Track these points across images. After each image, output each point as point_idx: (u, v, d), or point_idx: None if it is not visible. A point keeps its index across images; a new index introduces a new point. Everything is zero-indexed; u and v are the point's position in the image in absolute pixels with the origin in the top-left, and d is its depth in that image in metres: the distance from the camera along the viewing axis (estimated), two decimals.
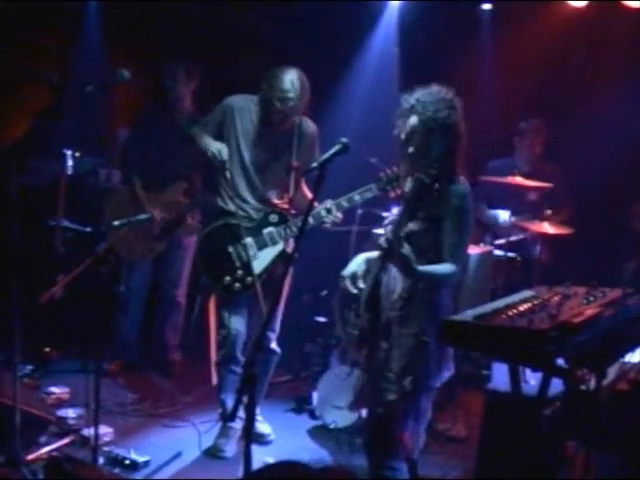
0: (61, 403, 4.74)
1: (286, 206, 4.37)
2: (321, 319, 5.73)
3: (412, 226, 3.16)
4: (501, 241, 5.55)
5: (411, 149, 3.20)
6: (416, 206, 3.10)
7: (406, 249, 3.03)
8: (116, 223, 3.99)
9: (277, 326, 4.51)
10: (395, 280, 3.21)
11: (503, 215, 5.67)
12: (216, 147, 4.31)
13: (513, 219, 5.63)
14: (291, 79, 4.15)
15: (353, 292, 3.33)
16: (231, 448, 4.40)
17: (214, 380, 4.53)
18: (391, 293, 3.23)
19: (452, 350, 3.25)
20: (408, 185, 3.33)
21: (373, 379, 3.28)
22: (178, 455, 4.34)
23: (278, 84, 4.15)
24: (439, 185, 3.13)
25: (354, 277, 3.34)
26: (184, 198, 5.31)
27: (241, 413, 2.84)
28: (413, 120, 3.16)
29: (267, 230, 4.31)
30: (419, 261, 3.09)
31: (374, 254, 3.45)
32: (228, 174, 4.31)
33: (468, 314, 2.91)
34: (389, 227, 3.32)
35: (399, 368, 3.18)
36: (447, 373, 3.26)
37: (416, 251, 3.10)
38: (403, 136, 3.21)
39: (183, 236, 5.43)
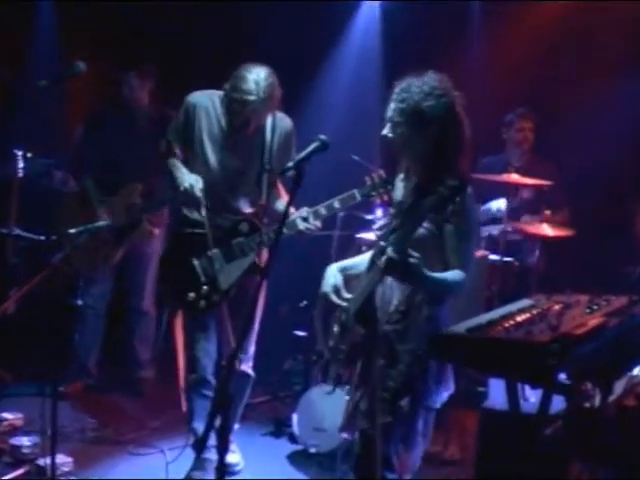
0: (14, 430, 4.70)
1: (258, 214, 4.30)
2: (301, 333, 5.72)
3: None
4: (495, 230, 5.54)
5: (397, 144, 3.18)
6: (417, 212, 3.03)
7: (416, 258, 2.96)
8: (73, 231, 3.95)
9: (251, 348, 4.47)
10: (392, 290, 3.19)
11: (497, 204, 5.68)
12: (189, 181, 4.20)
13: (504, 207, 5.59)
14: (256, 79, 4.06)
15: (342, 304, 3.31)
16: None
17: (184, 407, 4.49)
18: (387, 305, 3.21)
19: (451, 367, 3.23)
20: (400, 187, 3.31)
21: (366, 399, 3.26)
22: None
23: (240, 84, 4.07)
24: (434, 185, 3.09)
25: (337, 289, 3.32)
26: (140, 201, 5.29)
27: (213, 440, 2.82)
28: (395, 109, 3.14)
29: (236, 241, 4.26)
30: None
31: (349, 261, 3.45)
32: (203, 211, 4.18)
33: (461, 326, 2.89)
34: (379, 232, 3.30)
35: (396, 387, 3.16)
36: (446, 392, 3.25)
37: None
38: (386, 131, 3.19)
39: (144, 242, 5.44)
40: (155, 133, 5.30)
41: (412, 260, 2.92)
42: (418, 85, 3.12)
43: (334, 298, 3.32)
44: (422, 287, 3.09)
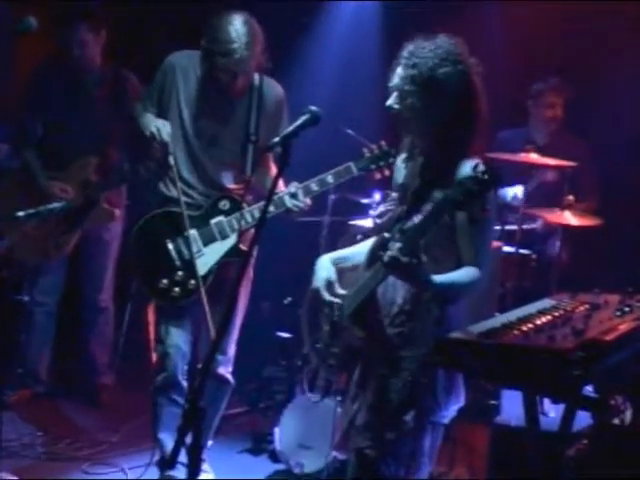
0: None
1: (242, 191, 4.31)
2: (284, 334, 5.72)
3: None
4: (512, 226, 5.53)
5: (405, 118, 3.16)
6: (434, 207, 3.00)
7: (424, 262, 2.93)
8: (21, 214, 3.92)
9: (231, 348, 4.48)
10: (394, 288, 3.18)
11: (513, 191, 5.67)
12: (155, 125, 4.23)
13: (521, 195, 5.57)
14: (235, 27, 4.09)
15: (335, 301, 3.31)
16: None
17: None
18: (389, 305, 3.20)
19: (462, 378, 3.23)
20: (401, 167, 3.30)
21: (364, 413, 3.25)
22: None
23: (219, 35, 4.10)
24: (446, 167, 3.08)
25: (329, 284, 3.33)
26: (95, 177, 5.26)
27: (183, 457, 2.81)
28: (404, 76, 3.12)
29: (215, 220, 4.27)
30: (432, 269, 3.01)
31: (343, 252, 3.45)
32: (171, 160, 4.24)
33: (471, 330, 2.89)
34: (379, 220, 3.29)
35: (399, 399, 3.16)
36: (456, 406, 3.25)
37: (429, 262, 2.99)
38: (392, 102, 3.17)
39: (101, 226, 5.42)
40: (109, 98, 5.29)
41: (418, 263, 2.89)
42: (431, 49, 3.09)
43: (326, 295, 3.32)
44: (428, 290, 3.08)
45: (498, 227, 5.49)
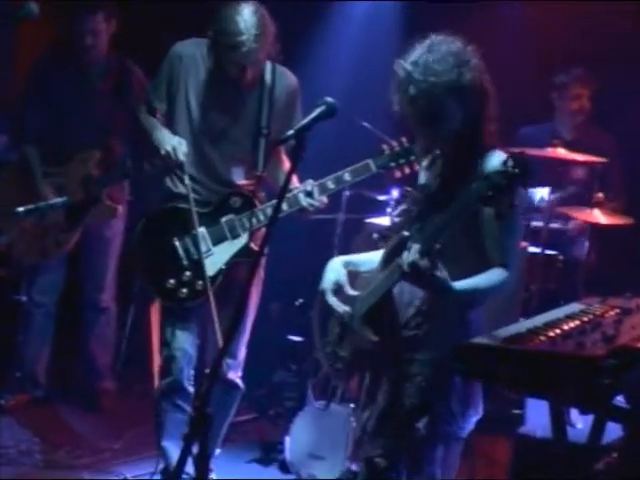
0: None
1: (253, 187, 4.31)
2: (295, 338, 5.72)
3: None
4: (538, 223, 5.49)
5: (418, 127, 3.16)
6: (441, 200, 3.00)
7: (441, 271, 2.92)
8: (21, 209, 3.93)
9: (241, 351, 4.47)
10: (412, 289, 3.16)
11: (540, 193, 5.63)
12: (171, 144, 4.20)
13: (552, 196, 5.56)
14: (244, 18, 4.07)
15: (339, 309, 3.32)
16: None
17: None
18: (405, 306, 3.21)
19: (481, 387, 3.22)
20: (425, 170, 3.31)
21: (374, 420, 3.25)
22: None
23: (226, 26, 4.08)
24: (468, 163, 3.08)
25: (337, 287, 3.33)
26: (97, 171, 5.27)
27: (189, 466, 2.83)
28: (411, 91, 3.11)
29: (226, 218, 4.27)
30: (452, 272, 3.00)
31: (358, 256, 3.45)
32: (187, 180, 4.20)
33: (495, 335, 2.88)
34: (397, 219, 3.28)
35: (411, 405, 3.16)
36: (475, 418, 3.25)
37: (448, 259, 3.00)
38: (404, 114, 3.16)
39: (102, 223, 5.43)
40: (113, 90, 5.30)
41: (437, 273, 2.89)
42: (433, 55, 3.07)
43: (330, 299, 3.33)
44: (449, 298, 3.06)
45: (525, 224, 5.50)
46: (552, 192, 5.52)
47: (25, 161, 5.31)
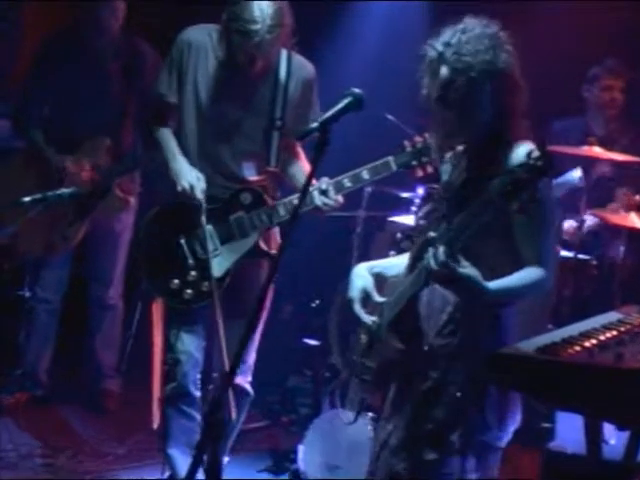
0: None
1: (266, 183, 4.29)
2: (311, 341, 5.72)
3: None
4: (571, 223, 5.49)
5: (448, 113, 3.14)
6: (466, 198, 2.98)
7: (467, 268, 2.91)
8: (27, 199, 3.93)
9: (250, 355, 4.46)
10: (443, 295, 3.15)
11: (574, 174, 5.59)
12: (188, 180, 4.18)
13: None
14: (260, 6, 4.04)
15: (367, 321, 3.30)
16: None
17: (155, 423, 4.48)
18: (436, 313, 3.19)
19: (519, 395, 3.21)
20: (449, 166, 3.29)
21: (398, 432, 3.24)
22: None
23: (240, 12, 4.05)
24: (494, 156, 3.07)
25: (365, 294, 3.32)
26: (107, 160, 5.27)
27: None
28: (444, 72, 3.10)
29: (235, 216, 4.25)
30: (484, 277, 2.97)
31: (384, 261, 3.44)
32: (204, 220, 4.17)
33: (528, 345, 2.87)
34: (423, 221, 3.27)
35: (444, 416, 3.14)
36: (513, 426, 3.23)
37: (478, 263, 2.97)
38: (434, 97, 3.15)
39: (112, 216, 5.44)
40: (123, 72, 5.29)
41: (463, 271, 2.87)
42: (467, 36, 3.05)
43: (357, 309, 3.31)
44: (483, 300, 3.04)
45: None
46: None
47: (32, 145, 5.33)
